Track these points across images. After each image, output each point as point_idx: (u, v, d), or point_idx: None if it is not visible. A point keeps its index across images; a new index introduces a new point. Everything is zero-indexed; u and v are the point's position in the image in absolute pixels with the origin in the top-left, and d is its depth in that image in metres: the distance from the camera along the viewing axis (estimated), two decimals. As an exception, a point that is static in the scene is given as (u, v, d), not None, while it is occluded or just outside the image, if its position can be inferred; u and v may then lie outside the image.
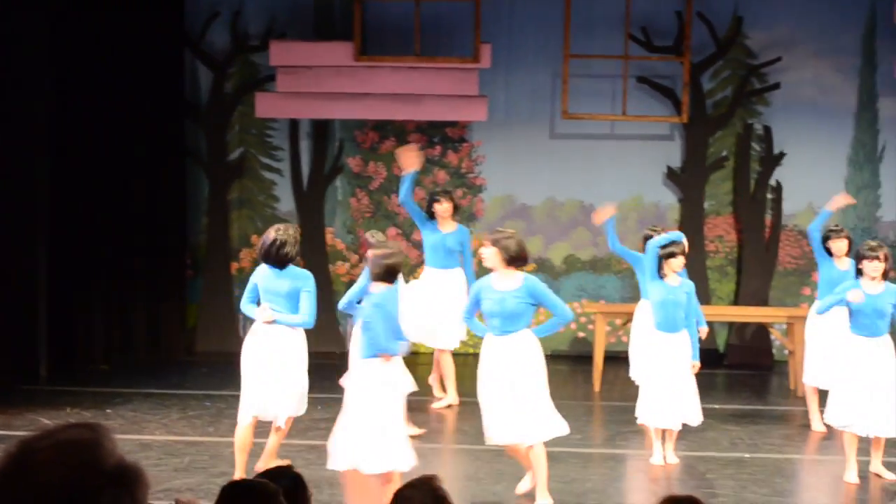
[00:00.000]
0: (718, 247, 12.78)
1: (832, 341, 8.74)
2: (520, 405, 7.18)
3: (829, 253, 9.35)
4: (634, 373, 9.36)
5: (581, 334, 12.68)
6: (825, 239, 9.38)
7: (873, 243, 8.18)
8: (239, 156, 12.82)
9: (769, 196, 12.64)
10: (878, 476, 8.16)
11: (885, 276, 8.05)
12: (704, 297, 12.56)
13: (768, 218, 12.65)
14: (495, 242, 7.30)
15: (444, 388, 10.17)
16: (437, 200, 9.95)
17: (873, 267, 7.99)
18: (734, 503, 7.54)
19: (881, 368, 7.99)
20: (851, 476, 8.07)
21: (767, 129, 12.57)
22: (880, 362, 8.00)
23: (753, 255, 12.57)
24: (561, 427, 7.36)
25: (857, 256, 8.14)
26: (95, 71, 11.65)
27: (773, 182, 12.61)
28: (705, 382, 11.59)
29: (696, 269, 12.64)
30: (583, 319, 12.60)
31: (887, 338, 8.10)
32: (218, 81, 12.69)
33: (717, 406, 10.38)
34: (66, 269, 11.62)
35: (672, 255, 8.32)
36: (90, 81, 11.62)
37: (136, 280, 12.06)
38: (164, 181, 12.13)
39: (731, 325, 12.58)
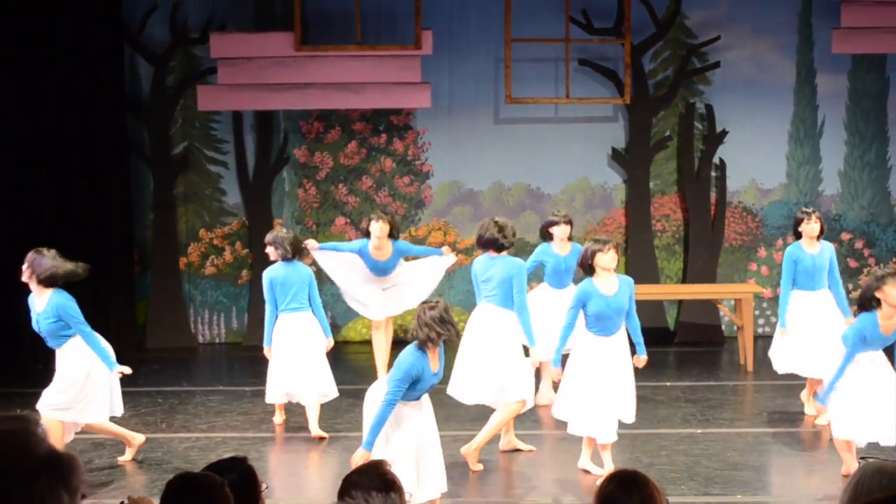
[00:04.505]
0: (665, 226, 12.88)
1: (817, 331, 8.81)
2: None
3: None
4: None
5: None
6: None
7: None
8: (183, 150, 12.73)
9: (713, 174, 12.76)
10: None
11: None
12: (653, 276, 12.66)
13: (713, 196, 12.77)
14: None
15: None
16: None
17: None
18: (688, 478, 7.62)
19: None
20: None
21: (709, 108, 12.68)
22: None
23: (700, 233, 12.68)
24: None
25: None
26: (33, 68, 11.48)
27: (716, 160, 12.73)
28: (657, 360, 11.74)
29: (644, 249, 12.74)
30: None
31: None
32: (159, 75, 12.58)
33: (668, 383, 10.48)
34: (10, 269, 11.44)
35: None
36: (28, 79, 11.45)
37: (83, 278, 11.91)
38: (108, 177, 12.00)
39: (680, 303, 12.69)
